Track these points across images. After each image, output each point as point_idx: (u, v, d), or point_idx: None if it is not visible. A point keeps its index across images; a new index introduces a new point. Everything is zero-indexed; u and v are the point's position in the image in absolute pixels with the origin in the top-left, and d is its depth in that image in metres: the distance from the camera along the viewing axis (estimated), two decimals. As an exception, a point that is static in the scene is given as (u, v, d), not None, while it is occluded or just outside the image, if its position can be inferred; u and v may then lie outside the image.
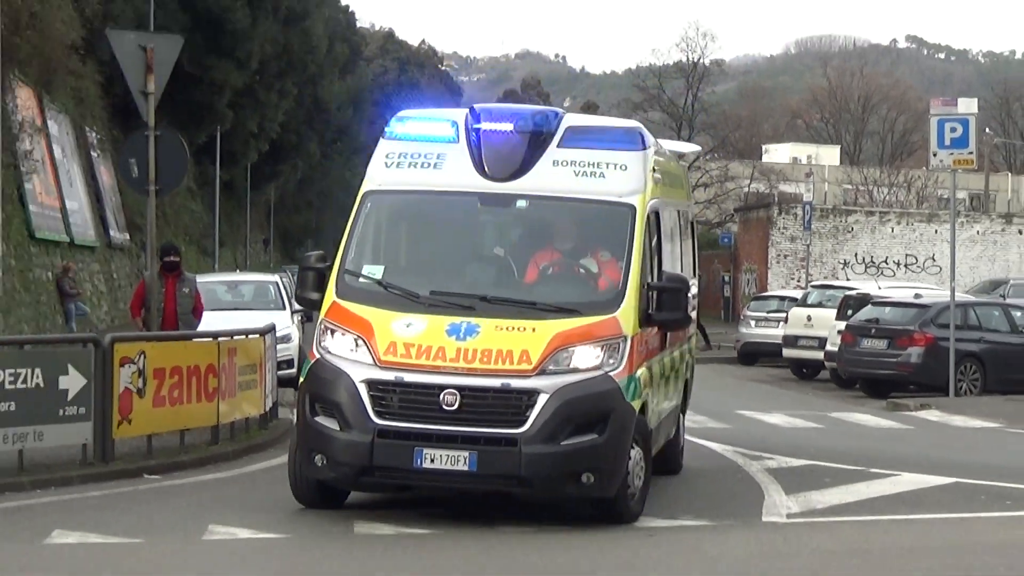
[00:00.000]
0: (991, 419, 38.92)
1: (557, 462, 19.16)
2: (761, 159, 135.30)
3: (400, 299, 20.54)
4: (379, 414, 19.25)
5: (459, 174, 21.35)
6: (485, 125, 21.44)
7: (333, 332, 20.13)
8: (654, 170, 22.37)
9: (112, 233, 71.78)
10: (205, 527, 20.94)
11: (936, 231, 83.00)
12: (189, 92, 70.38)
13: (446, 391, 19.08)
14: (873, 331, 47.78)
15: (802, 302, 57.16)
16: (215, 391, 29.71)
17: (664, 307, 20.77)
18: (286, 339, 41.28)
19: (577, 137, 21.61)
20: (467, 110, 22.36)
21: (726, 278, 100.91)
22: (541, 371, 19.36)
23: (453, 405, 19.04)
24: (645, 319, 20.82)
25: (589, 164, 21.28)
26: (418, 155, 21.62)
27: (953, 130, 46.07)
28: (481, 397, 19.18)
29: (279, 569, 19.02)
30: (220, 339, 31.06)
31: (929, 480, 27.39)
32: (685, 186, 27.53)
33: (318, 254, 22.18)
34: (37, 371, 24.57)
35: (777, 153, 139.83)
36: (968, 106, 47.37)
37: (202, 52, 71.06)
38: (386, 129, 22.47)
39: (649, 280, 21.23)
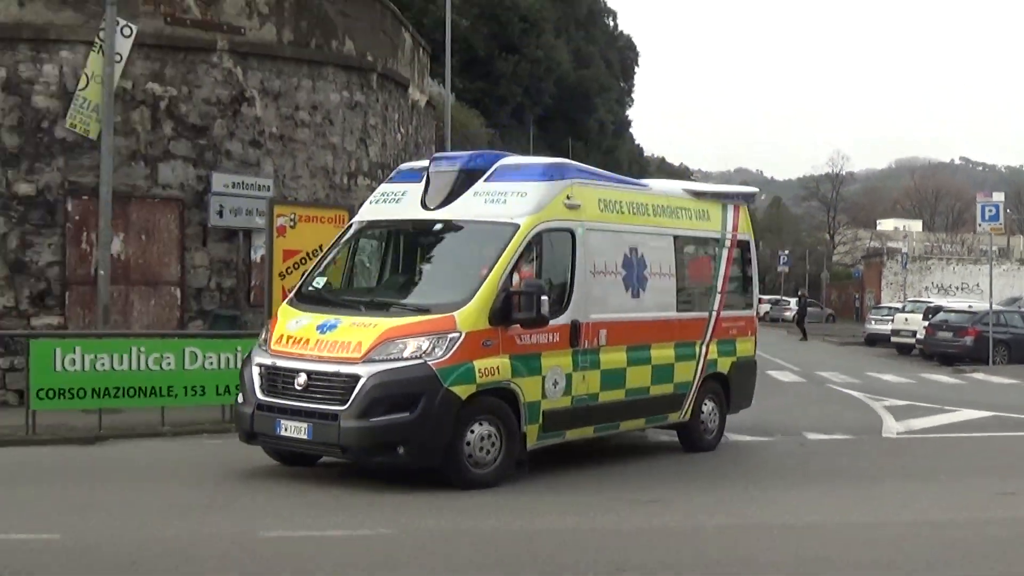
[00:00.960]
0: (1015, 378, 37.70)
1: (367, 435, 14.62)
2: (876, 227, 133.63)
3: (323, 303, 16.42)
4: (263, 391, 15.51)
5: (408, 207, 17.12)
6: (433, 167, 17.28)
7: (265, 329, 16.71)
8: (568, 197, 16.64)
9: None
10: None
11: (980, 269, 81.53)
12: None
13: (299, 374, 15.14)
14: (944, 327, 46.91)
15: (902, 310, 56.51)
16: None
17: (522, 308, 15.35)
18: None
19: (503, 173, 16.73)
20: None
21: (856, 296, 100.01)
22: (368, 359, 14.80)
23: (302, 385, 15.05)
24: (501, 318, 15.34)
25: (498, 193, 16.43)
26: (392, 194, 17.60)
27: (990, 211, 45.01)
28: (321, 379, 15.00)
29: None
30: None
31: (979, 414, 26.70)
32: (709, 218, 19.96)
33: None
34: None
35: (885, 224, 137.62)
36: (998, 197, 46.33)
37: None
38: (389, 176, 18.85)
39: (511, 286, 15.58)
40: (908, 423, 24.99)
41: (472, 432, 15.06)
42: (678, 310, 18.92)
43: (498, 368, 15.30)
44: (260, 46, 25.70)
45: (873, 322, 61.63)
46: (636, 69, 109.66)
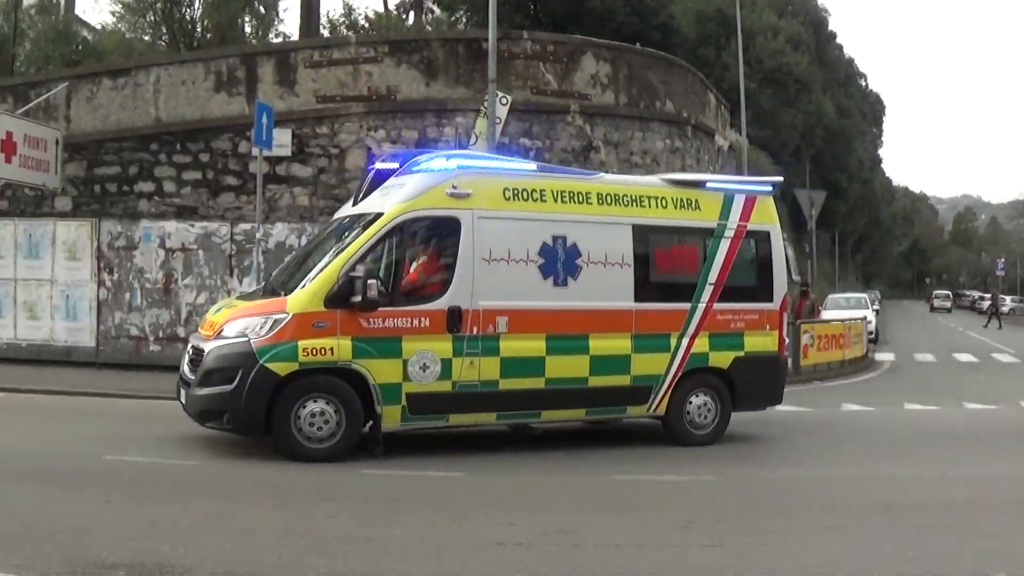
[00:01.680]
0: None
1: (200, 403, 12.20)
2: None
3: (254, 292, 14.14)
4: (188, 365, 12.92)
5: (350, 205, 14.03)
6: (368, 168, 14.04)
7: None
8: (454, 187, 12.68)
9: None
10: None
11: None
12: (823, 222, 68.89)
13: (190, 350, 12.89)
14: None
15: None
16: (841, 344, 28.29)
17: (355, 292, 11.97)
18: (868, 322, 37.22)
19: (407, 170, 13.14)
20: None
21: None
22: (215, 337, 12.32)
23: (188, 360, 12.79)
24: (340, 302, 12.10)
25: (390, 187, 13.10)
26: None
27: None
28: (195, 354, 12.59)
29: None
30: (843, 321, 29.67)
31: None
32: (699, 208, 14.41)
33: None
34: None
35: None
36: None
37: (830, 199, 69.38)
38: None
39: (353, 273, 12.24)
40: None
41: (303, 408, 12.10)
42: (638, 300, 13.89)
43: (332, 348, 12.13)
44: (603, 108, 25.72)
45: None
46: (884, 118, 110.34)
